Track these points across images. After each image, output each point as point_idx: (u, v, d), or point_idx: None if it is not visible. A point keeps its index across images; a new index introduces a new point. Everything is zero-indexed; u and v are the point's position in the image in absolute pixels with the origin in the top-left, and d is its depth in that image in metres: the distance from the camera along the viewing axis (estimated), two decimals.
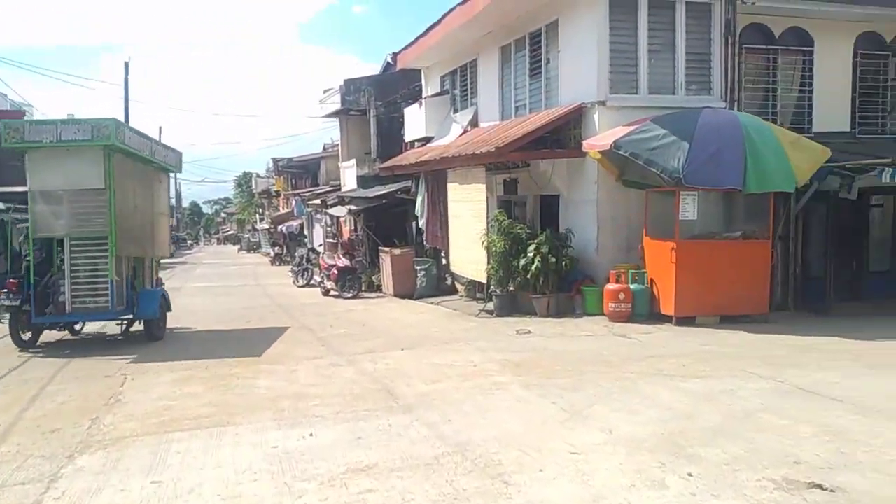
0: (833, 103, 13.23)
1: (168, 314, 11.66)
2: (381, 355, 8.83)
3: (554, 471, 4.65)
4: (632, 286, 10.67)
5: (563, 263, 11.35)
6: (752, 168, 9.90)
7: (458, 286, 15.70)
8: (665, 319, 10.38)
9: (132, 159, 10.77)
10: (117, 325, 11.35)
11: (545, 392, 6.61)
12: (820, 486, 4.25)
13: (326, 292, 17.62)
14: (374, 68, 26.68)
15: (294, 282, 21.48)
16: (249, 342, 10.44)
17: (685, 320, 10.21)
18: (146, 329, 10.97)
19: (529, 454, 4.95)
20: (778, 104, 12.94)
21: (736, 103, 12.17)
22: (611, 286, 10.71)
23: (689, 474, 4.49)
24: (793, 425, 5.42)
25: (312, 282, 20.38)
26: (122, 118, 27.11)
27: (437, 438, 5.37)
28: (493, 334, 10.14)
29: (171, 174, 13.59)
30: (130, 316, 10.78)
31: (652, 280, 10.77)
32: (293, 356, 9.08)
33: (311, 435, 5.60)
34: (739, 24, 12.20)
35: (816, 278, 12.27)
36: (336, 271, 17.17)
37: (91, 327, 11.97)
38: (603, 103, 11.61)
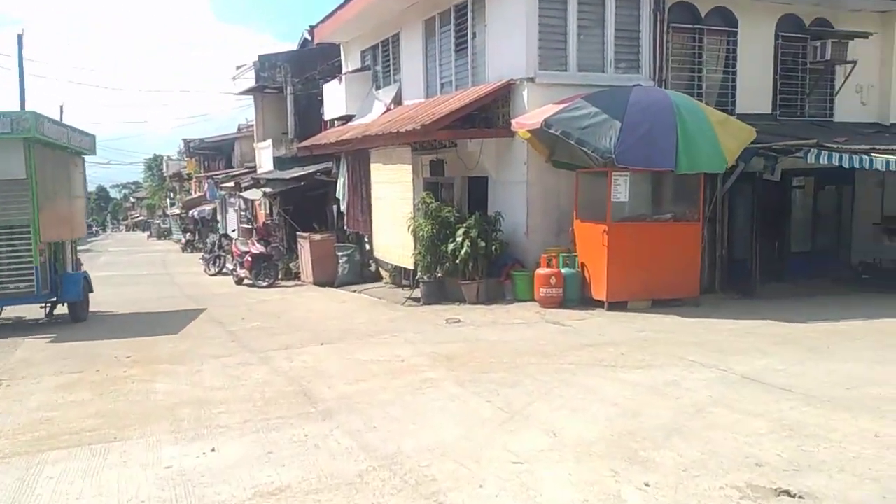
0: (755, 85, 13.21)
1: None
2: (297, 351, 8.03)
3: (495, 485, 4.07)
4: (563, 270, 10.26)
5: (493, 248, 10.83)
6: (684, 148, 9.62)
7: (383, 273, 14.98)
8: (597, 304, 10.03)
9: (50, 148, 11.04)
10: (41, 308, 11.38)
11: (480, 389, 6.04)
12: (788, 493, 3.85)
13: (240, 281, 16.54)
14: (291, 48, 25.33)
15: (206, 270, 20.21)
16: (149, 338, 9.42)
17: (617, 305, 9.90)
18: (70, 311, 11.22)
19: (467, 466, 4.36)
20: (703, 84, 12.79)
21: (664, 82, 11.93)
22: (542, 271, 10.26)
23: (647, 484, 4.01)
24: (746, 420, 5.05)
25: (225, 270, 19.19)
26: (16, 95, 24.99)
27: (361, 450, 4.70)
28: (422, 324, 9.51)
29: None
30: (55, 299, 11.03)
31: (583, 264, 10.39)
32: (198, 354, 8.16)
33: (213, 450, 4.82)
34: (667, 2, 11.94)
35: (741, 260, 12.26)
36: (250, 259, 16.09)
37: (12, 311, 11.73)
38: (532, 80, 11.10)
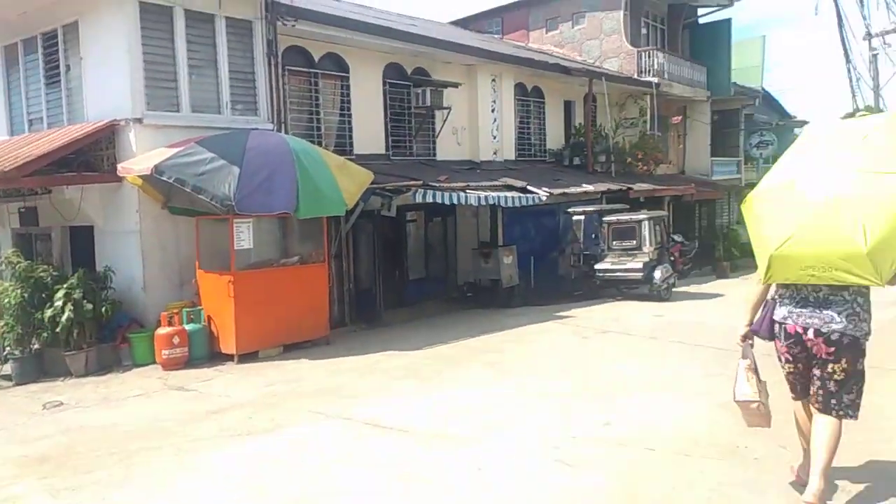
0: (370, 127, 14.20)
1: None
2: None
3: None
4: (187, 327, 9.55)
5: (104, 309, 9.57)
6: (304, 193, 9.75)
7: None
8: (227, 358, 9.56)
9: None
10: None
11: (80, 497, 5.13)
12: None
13: None
14: None
15: None
16: None
17: (248, 356, 9.56)
18: None
19: None
20: (322, 126, 13.29)
21: (283, 125, 12.03)
22: (162, 330, 9.39)
23: None
24: (367, 474, 5.18)
25: None
26: None
27: None
28: (11, 415, 7.82)
29: None
30: None
31: (210, 317, 9.84)
32: None
33: None
34: (281, 46, 12.08)
35: (367, 290, 13.05)
36: None
37: None
38: (140, 121, 10.17)
